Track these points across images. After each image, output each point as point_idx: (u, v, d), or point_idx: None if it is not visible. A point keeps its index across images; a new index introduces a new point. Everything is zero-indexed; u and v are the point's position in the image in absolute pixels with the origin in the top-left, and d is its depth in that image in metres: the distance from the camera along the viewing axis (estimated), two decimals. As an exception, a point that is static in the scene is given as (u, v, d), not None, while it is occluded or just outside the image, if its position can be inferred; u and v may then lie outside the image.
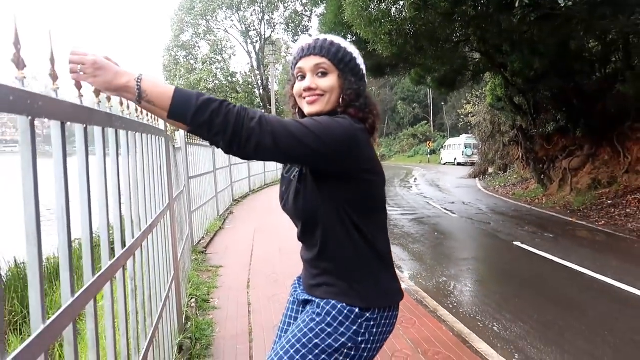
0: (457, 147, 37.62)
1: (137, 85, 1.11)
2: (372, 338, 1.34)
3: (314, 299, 1.42)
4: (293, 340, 1.35)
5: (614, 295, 4.80)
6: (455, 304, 4.57)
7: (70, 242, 1.06)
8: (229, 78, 31.83)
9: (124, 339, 1.57)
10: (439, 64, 12.77)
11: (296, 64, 1.42)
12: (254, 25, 32.91)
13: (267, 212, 10.11)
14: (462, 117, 32.85)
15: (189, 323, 3.40)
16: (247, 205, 11.50)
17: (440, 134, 53.82)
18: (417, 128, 55.53)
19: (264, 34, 32.94)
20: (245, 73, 33.43)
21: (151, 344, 2.01)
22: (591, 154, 12.89)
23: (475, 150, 30.82)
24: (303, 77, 1.41)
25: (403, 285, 4.65)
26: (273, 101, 25.52)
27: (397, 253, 6.76)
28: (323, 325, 1.33)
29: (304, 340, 1.33)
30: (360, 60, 1.44)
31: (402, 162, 49.43)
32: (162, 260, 2.50)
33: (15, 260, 5.64)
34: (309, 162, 1.28)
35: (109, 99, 1.46)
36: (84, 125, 1.19)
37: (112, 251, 1.45)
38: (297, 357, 1.32)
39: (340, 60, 1.39)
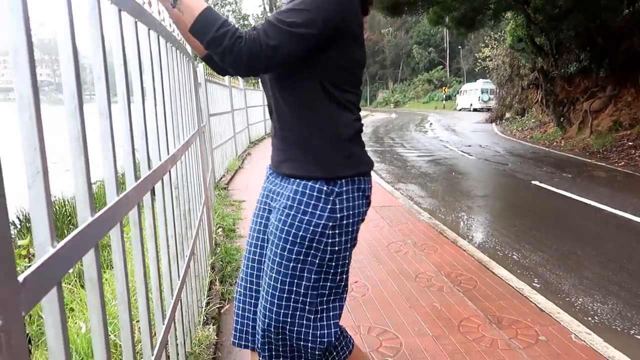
0: (473, 93, 36.86)
1: None
2: (351, 210, 1.34)
3: (280, 180, 1.43)
4: (277, 244, 1.35)
5: (633, 229, 4.84)
6: (475, 236, 4.66)
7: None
8: (241, 21, 31.11)
9: (173, 240, 1.66)
10: (459, 2, 12.32)
11: None
12: (265, -35, 31.78)
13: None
14: (479, 61, 31.93)
15: (219, 248, 3.54)
16: (264, 147, 11.55)
17: (457, 79, 52.59)
18: (432, 73, 54.27)
19: (276, -26, 31.82)
20: (257, 16, 32.61)
21: (192, 254, 2.12)
22: (613, 95, 12.57)
23: (492, 96, 30.21)
24: None
25: (422, 218, 4.75)
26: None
27: (415, 191, 6.82)
28: (297, 215, 1.32)
29: (285, 240, 1.33)
30: None
31: (417, 108, 48.73)
32: (195, 181, 2.58)
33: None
34: (304, 51, 1.23)
35: (149, 4, 1.47)
36: (135, 20, 1.21)
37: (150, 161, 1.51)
38: (291, 257, 1.32)
39: None
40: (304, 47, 1.20)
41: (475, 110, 34.88)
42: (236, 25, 1.17)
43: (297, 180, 1.34)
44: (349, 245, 1.36)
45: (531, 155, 11.08)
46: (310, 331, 1.34)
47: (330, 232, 1.31)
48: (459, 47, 50.42)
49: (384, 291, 2.94)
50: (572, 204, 5.97)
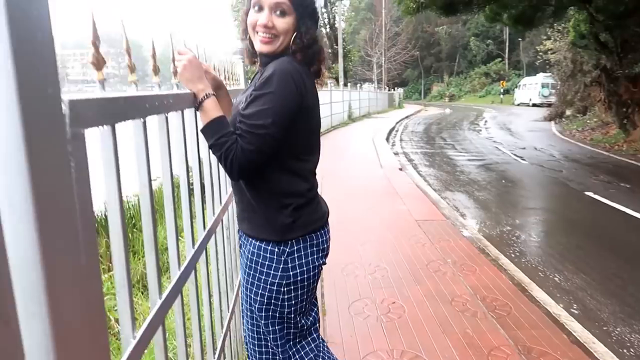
0: (533, 87, 35.53)
1: (202, 99, 1.37)
2: (303, 267, 1.50)
3: (242, 236, 1.61)
4: (245, 291, 1.57)
5: (688, 251, 4.70)
6: (518, 254, 4.68)
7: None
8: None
9: (223, 276, 1.91)
10: (516, 0, 11.99)
11: None
12: (320, -40, 31.87)
13: (334, 156, 10.39)
14: (540, 54, 30.68)
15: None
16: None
17: (516, 72, 50.73)
18: (490, 66, 52.63)
19: (331, -30, 31.87)
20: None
21: (239, 286, 2.37)
22: (683, 97, 11.85)
23: (553, 91, 28.97)
24: (260, 9, 1.42)
25: (467, 234, 4.82)
26: (340, 41, 25.10)
27: (462, 200, 6.84)
28: (255, 272, 1.50)
29: (250, 291, 1.53)
30: (319, 5, 1.50)
31: (473, 102, 47.54)
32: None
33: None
34: (277, 145, 1.39)
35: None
36: (193, 107, 1.45)
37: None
38: (253, 303, 1.53)
39: (301, 3, 1.43)
40: (271, 144, 1.37)
41: (534, 105, 33.65)
42: (234, 136, 1.36)
43: (252, 240, 1.53)
44: (305, 297, 1.54)
45: (588, 160, 10.69)
46: None
47: (285, 289, 1.49)
48: (519, 39, 48.48)
49: (419, 314, 3.10)
50: (626, 219, 5.82)
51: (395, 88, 43.49)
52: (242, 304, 1.67)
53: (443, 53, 58.30)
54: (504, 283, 3.63)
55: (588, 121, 18.83)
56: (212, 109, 1.36)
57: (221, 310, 1.86)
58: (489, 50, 53.65)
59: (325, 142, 13.69)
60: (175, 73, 1.33)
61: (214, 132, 1.35)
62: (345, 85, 22.66)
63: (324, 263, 1.61)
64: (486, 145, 13.63)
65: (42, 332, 0.55)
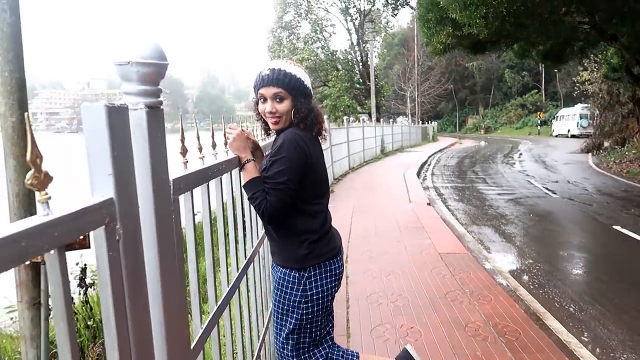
0: (571, 118, 35.13)
1: (245, 162, 1.88)
2: (319, 289, 1.95)
3: (273, 264, 2.09)
4: (274, 308, 2.05)
5: None
6: (537, 285, 4.92)
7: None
8: (330, 56, 32.61)
9: (260, 299, 2.35)
10: (543, 38, 12.32)
11: (259, 89, 1.91)
12: (353, 2, 33.16)
13: (365, 191, 10.80)
14: (577, 84, 30.50)
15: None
16: (347, 184, 12.26)
17: (553, 103, 50.21)
18: (526, 97, 52.34)
19: (364, 10, 33.07)
20: (345, 50, 33.98)
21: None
22: None
23: (592, 122, 28.59)
24: (265, 100, 1.92)
25: (488, 266, 5.12)
26: (372, 77, 25.84)
27: (488, 234, 7.09)
28: (281, 292, 1.98)
29: (277, 307, 2.02)
30: (307, 82, 1.95)
31: (509, 134, 47.16)
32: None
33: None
34: (295, 195, 1.88)
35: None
36: (237, 168, 1.94)
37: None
38: (279, 316, 2.01)
39: (293, 87, 1.89)
40: (292, 195, 1.87)
41: (573, 136, 33.21)
42: (264, 194, 1.85)
43: (280, 268, 2.02)
44: (320, 314, 2.00)
45: (622, 194, 10.68)
46: None
47: (304, 305, 1.96)
48: (556, 70, 48.16)
49: (434, 337, 3.43)
50: (650, 253, 5.93)
51: (430, 121, 43.77)
52: (272, 321, 2.12)
53: (477, 85, 58.41)
54: (517, 312, 3.90)
55: (627, 153, 18.56)
56: (252, 171, 1.87)
57: (258, 325, 2.30)
58: (524, 82, 53.45)
59: (357, 177, 14.18)
60: (226, 143, 1.83)
61: (252, 188, 1.86)
62: (378, 120, 23.20)
63: (338, 286, 2.07)
64: (518, 178, 13.73)
65: (158, 310, 1.02)
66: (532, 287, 4.86)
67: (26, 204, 2.99)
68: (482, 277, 4.72)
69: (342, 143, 13.86)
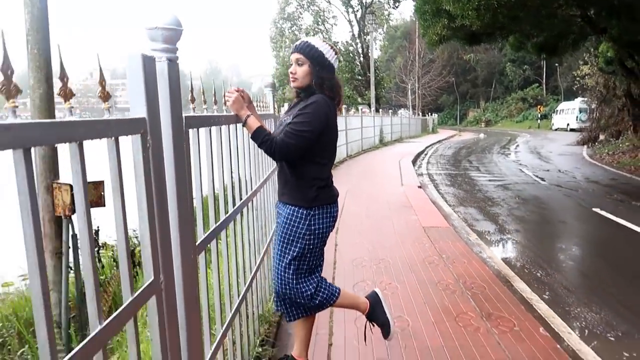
0: (570, 112, 35.35)
1: (245, 119, 2.30)
2: (320, 226, 2.38)
3: (280, 204, 2.47)
4: (278, 240, 2.44)
5: (668, 256, 5.23)
6: (510, 255, 5.35)
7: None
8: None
9: (253, 243, 2.78)
10: (537, 30, 12.66)
11: (290, 56, 2.41)
12: (355, -7, 33.39)
13: (360, 177, 11.23)
14: (577, 78, 30.77)
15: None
16: (343, 171, 12.67)
17: (553, 97, 50.34)
18: (527, 91, 52.46)
19: (365, 2, 33.30)
20: (347, 42, 34.26)
21: (265, 253, 3.24)
22: None
23: (590, 115, 28.91)
24: (291, 64, 2.40)
25: (467, 238, 5.54)
26: (372, 69, 26.17)
27: (473, 214, 7.52)
28: (288, 226, 2.37)
29: (283, 238, 2.40)
30: (328, 55, 2.36)
31: (509, 127, 47.42)
32: (271, 204, 3.73)
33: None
34: (308, 145, 2.30)
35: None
36: (235, 124, 2.37)
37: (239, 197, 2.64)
38: (284, 245, 2.39)
39: (312, 56, 2.32)
40: (306, 143, 2.29)
41: (572, 130, 33.47)
42: (271, 135, 2.27)
43: (289, 206, 2.43)
44: (318, 247, 2.43)
45: (608, 182, 11.07)
46: (297, 291, 2.41)
47: (306, 237, 2.38)
48: (557, 64, 48.32)
49: (409, 292, 3.87)
50: (623, 231, 6.34)
51: (430, 113, 44.06)
52: (273, 254, 2.53)
53: (479, 79, 58.55)
54: (486, 274, 4.34)
55: (620, 145, 18.91)
56: (254, 123, 2.30)
57: (251, 264, 2.73)
58: (525, 76, 53.57)
59: (354, 164, 14.62)
60: (225, 103, 2.26)
61: (259, 136, 2.28)
62: (377, 111, 23.56)
63: (333, 226, 2.50)
64: (511, 167, 14.13)
65: (173, 205, 1.45)
66: (505, 256, 5.30)
67: (51, 166, 3.42)
68: (460, 247, 5.16)
69: (340, 130, 14.24)
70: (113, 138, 1.14)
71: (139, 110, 1.29)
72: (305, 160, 2.35)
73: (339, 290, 2.56)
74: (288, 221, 2.40)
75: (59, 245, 3.48)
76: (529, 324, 3.28)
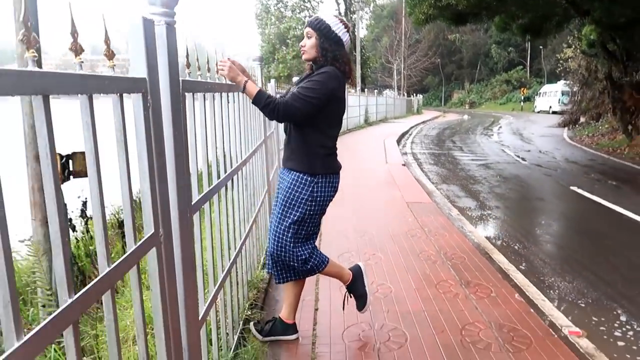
0: (553, 95, 35.79)
1: (244, 85, 2.34)
2: (322, 194, 2.48)
3: (285, 171, 2.55)
4: (279, 204, 2.52)
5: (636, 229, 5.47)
6: (490, 229, 5.54)
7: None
8: (317, 25, 32.58)
9: (243, 211, 2.87)
10: (523, 11, 12.75)
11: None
12: (342, -29, 32.98)
13: (344, 155, 11.28)
14: (561, 61, 31.09)
15: (277, 226, 4.76)
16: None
17: (537, 80, 50.82)
18: (511, 74, 52.86)
19: (352, -21, 32.93)
20: (333, 20, 33.93)
21: (254, 221, 3.33)
22: (683, 103, 12.41)
23: (572, 98, 29.34)
24: (303, 38, 2.51)
25: (449, 213, 5.70)
26: (358, 48, 26.05)
27: (455, 191, 7.69)
28: (292, 191, 2.46)
29: (285, 202, 2.49)
30: (336, 28, 2.42)
31: (493, 109, 47.84)
32: (260, 175, 3.81)
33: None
34: (313, 111, 2.37)
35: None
36: (227, 92, 2.43)
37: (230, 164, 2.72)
38: (285, 209, 2.48)
39: (319, 29, 2.41)
40: (311, 109, 2.35)
41: (554, 113, 33.91)
42: (273, 97, 2.33)
43: (294, 172, 2.51)
44: (317, 214, 2.52)
45: (587, 162, 11.37)
46: (293, 254, 2.51)
47: (308, 203, 2.47)
48: (541, 47, 48.66)
49: (392, 261, 4.01)
50: (598, 208, 6.58)
51: (415, 94, 44.18)
52: (271, 218, 2.61)
53: (464, 60, 58.71)
54: (466, 246, 4.50)
55: (600, 127, 19.31)
56: (253, 87, 2.35)
57: (241, 231, 2.82)
58: (510, 58, 53.90)
59: (339, 143, 14.62)
60: (218, 72, 2.31)
61: (260, 99, 2.32)
62: (362, 90, 23.57)
63: (333, 195, 2.58)
64: (493, 148, 14.37)
65: (170, 156, 1.52)
66: (485, 230, 5.48)
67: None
68: (442, 221, 5.32)
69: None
70: (117, 95, 1.21)
71: (140, 71, 1.35)
72: (312, 128, 2.44)
73: (328, 259, 2.67)
74: (291, 186, 2.48)
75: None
76: (505, 290, 3.45)
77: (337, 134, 2.58)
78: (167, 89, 1.50)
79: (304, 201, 2.46)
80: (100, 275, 1.09)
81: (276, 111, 2.32)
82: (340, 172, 2.62)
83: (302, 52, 2.52)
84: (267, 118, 2.99)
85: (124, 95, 1.27)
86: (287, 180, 2.52)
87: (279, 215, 2.52)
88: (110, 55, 1.21)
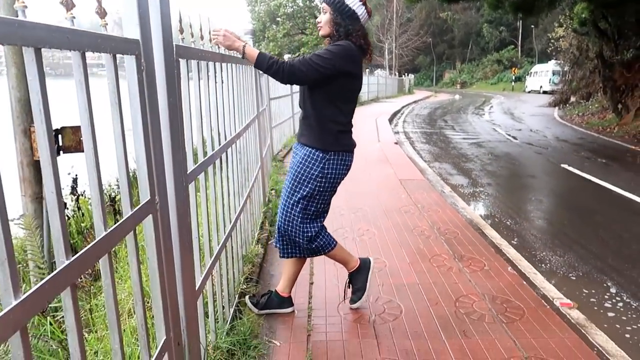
0: (544, 74, 35.78)
1: (243, 49, 2.28)
2: (333, 171, 2.42)
3: (298, 145, 2.51)
4: (290, 178, 2.49)
5: (629, 207, 5.53)
6: (482, 205, 5.57)
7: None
8: (307, 3, 32.13)
9: (237, 183, 2.84)
10: (515, -13, 12.63)
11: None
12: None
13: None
14: (552, 41, 31.01)
15: (270, 203, 4.74)
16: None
17: (528, 59, 50.76)
18: (502, 53, 52.67)
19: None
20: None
21: (248, 196, 3.31)
22: (673, 82, 12.47)
23: (563, 78, 29.37)
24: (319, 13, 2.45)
25: (441, 189, 5.72)
26: (350, 27, 25.71)
27: (447, 169, 7.71)
28: (303, 166, 2.43)
29: (295, 177, 2.45)
30: (351, 3, 2.35)
31: (484, 89, 47.79)
32: (253, 150, 3.77)
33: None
34: (320, 79, 2.32)
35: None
36: (220, 63, 2.38)
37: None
38: (295, 184, 2.45)
39: (333, 4, 2.36)
40: (318, 76, 2.30)
41: (545, 92, 33.94)
42: (275, 57, 2.29)
43: (306, 147, 2.46)
44: (327, 191, 2.47)
45: (577, 140, 11.43)
46: (299, 230, 2.49)
47: (318, 179, 2.42)
48: (532, 26, 48.45)
49: (386, 237, 4.02)
50: (587, 184, 6.64)
51: (407, 74, 43.95)
52: (282, 191, 2.57)
53: (456, 40, 58.34)
54: (459, 221, 4.53)
55: (590, 106, 19.39)
56: (253, 51, 2.29)
57: (236, 205, 2.80)
58: (501, 38, 53.66)
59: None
60: (211, 41, 2.26)
61: (263, 62, 2.27)
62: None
63: (346, 174, 2.53)
64: (485, 127, 14.39)
65: (164, 122, 1.49)
66: (478, 206, 5.52)
67: (27, 109, 3.35)
68: (434, 197, 5.34)
69: (317, 88, 14.14)
70: (111, 55, 1.17)
71: (132, 32, 1.30)
72: (325, 103, 2.38)
73: (336, 243, 2.64)
74: (303, 161, 2.43)
75: (39, 189, 3.47)
76: (498, 264, 3.48)
77: (352, 110, 2.52)
78: (160, 53, 1.46)
79: (314, 177, 2.41)
80: (98, 239, 1.07)
81: (281, 71, 2.26)
82: None
83: (318, 28, 2.46)
84: (261, 92, 2.93)
85: (118, 56, 1.24)
86: (299, 155, 2.48)
87: (289, 190, 2.49)
88: (102, 13, 1.16)
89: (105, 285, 1.13)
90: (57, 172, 0.92)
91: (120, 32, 1.31)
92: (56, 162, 0.91)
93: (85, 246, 1.04)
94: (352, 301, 2.76)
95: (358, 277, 2.74)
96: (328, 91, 2.37)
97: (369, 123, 13.55)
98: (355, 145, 2.56)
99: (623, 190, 6.13)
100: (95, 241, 1.05)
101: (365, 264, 2.75)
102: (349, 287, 2.79)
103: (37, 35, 0.84)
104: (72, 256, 0.95)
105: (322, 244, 2.56)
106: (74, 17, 1.01)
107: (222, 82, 2.55)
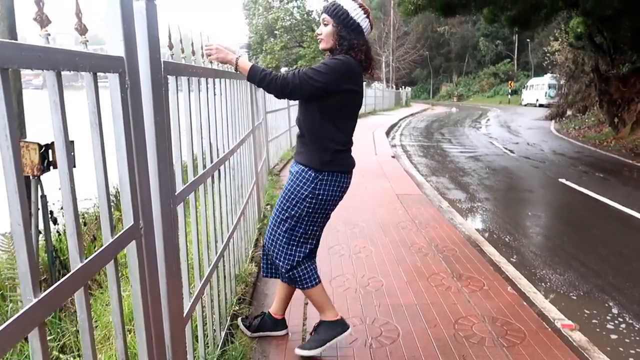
0: (540, 88, 35.98)
1: (236, 62, 2.22)
2: (325, 192, 2.26)
3: (294, 163, 2.38)
4: (281, 198, 2.37)
5: (627, 222, 5.47)
6: (480, 221, 5.50)
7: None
8: (305, 16, 32.34)
9: (230, 200, 2.77)
10: (511, 2, 12.72)
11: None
12: (331, -39, 32.71)
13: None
14: (548, 54, 31.24)
15: (265, 219, 4.66)
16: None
17: (524, 73, 51.07)
18: (499, 66, 53.02)
19: (341, -30, 32.68)
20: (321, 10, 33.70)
21: (242, 214, 3.23)
22: (669, 96, 12.51)
23: (559, 91, 29.53)
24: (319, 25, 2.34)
25: (439, 205, 5.65)
26: (347, 40, 25.85)
27: (445, 183, 7.66)
28: (294, 184, 2.29)
29: (286, 195, 2.33)
30: (354, 13, 2.23)
31: (480, 102, 48.01)
32: (247, 167, 3.70)
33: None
34: (315, 93, 2.20)
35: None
36: (212, 78, 2.32)
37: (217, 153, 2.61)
38: (284, 202, 2.33)
39: (336, 16, 2.22)
40: (313, 90, 2.18)
41: (541, 105, 34.11)
42: (269, 70, 2.22)
43: (300, 165, 2.36)
44: (318, 214, 2.33)
45: (574, 154, 11.42)
46: (282, 252, 2.37)
47: (308, 199, 2.29)
48: (528, 40, 48.85)
49: (383, 254, 3.94)
50: (584, 198, 6.59)
51: (404, 87, 44.15)
52: (273, 211, 2.44)
53: (452, 53, 58.76)
54: (457, 238, 4.45)
55: (586, 120, 19.44)
56: (246, 63, 2.22)
57: (228, 223, 2.72)
58: (498, 51, 54.04)
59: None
60: (203, 56, 2.20)
61: (256, 73, 2.19)
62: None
63: (341, 197, 2.39)
64: (482, 140, 14.38)
65: (150, 137, 1.42)
66: (475, 222, 5.44)
67: (17, 124, 3.29)
68: (432, 212, 5.26)
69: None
70: (91, 73, 1.10)
71: (116, 48, 1.24)
72: (323, 119, 2.25)
73: (319, 282, 2.43)
74: (295, 180, 2.32)
75: (28, 206, 3.38)
76: (497, 283, 3.40)
77: (352, 128, 2.39)
78: (147, 70, 1.40)
79: (303, 197, 2.28)
80: (72, 271, 0.99)
81: (273, 84, 2.17)
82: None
83: (318, 40, 2.32)
84: (256, 106, 2.87)
85: (101, 74, 1.17)
86: (292, 173, 2.37)
87: (278, 207, 2.38)
88: (82, 30, 1.10)
89: (81, 321, 1.06)
90: (25, 202, 0.85)
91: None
92: (24, 191, 0.84)
93: (59, 280, 0.96)
94: (302, 347, 2.46)
95: (327, 330, 2.44)
96: (324, 108, 2.24)
97: (366, 136, 13.51)
98: (354, 166, 2.42)
99: (621, 205, 6.08)
100: (69, 274, 0.98)
101: (343, 325, 2.47)
102: (313, 332, 2.53)
103: (4, 55, 0.77)
104: (53, 282, 0.87)
105: (302, 277, 2.39)
106: (48, 34, 0.95)
107: (215, 96, 2.48)
